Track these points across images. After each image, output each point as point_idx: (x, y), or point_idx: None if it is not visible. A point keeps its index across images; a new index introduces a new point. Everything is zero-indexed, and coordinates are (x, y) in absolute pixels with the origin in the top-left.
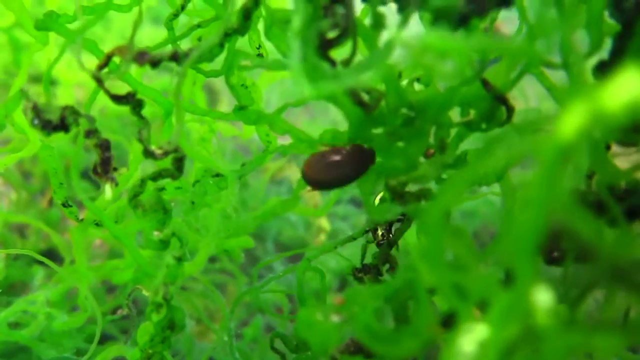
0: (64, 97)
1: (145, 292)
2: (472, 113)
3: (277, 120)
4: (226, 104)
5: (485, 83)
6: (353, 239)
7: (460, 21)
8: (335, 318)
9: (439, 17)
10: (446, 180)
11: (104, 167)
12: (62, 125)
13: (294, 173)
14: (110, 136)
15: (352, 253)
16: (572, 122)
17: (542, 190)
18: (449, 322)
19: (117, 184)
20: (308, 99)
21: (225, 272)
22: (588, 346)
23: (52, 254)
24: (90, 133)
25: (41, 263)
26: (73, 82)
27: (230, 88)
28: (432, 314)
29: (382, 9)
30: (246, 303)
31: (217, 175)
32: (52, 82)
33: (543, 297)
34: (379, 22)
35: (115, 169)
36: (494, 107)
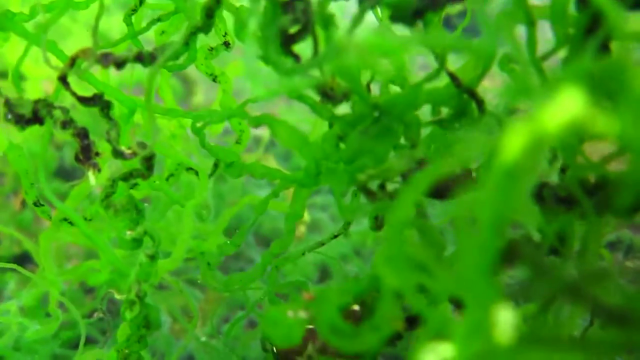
0: (33, 91)
1: (117, 296)
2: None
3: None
4: (202, 93)
5: (453, 78)
6: (321, 244)
7: (415, 15)
8: (303, 314)
9: (394, 13)
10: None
11: (86, 154)
12: (35, 119)
13: (271, 164)
14: None
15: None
16: (514, 143)
17: (492, 211)
18: (415, 320)
19: (99, 170)
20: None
21: None
22: None
23: (27, 258)
24: (67, 124)
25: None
26: (41, 77)
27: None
28: (394, 310)
29: (342, 3)
30: (227, 299)
31: (190, 168)
32: (20, 77)
33: (504, 316)
34: (328, 22)
35: (97, 154)
36: (464, 103)
